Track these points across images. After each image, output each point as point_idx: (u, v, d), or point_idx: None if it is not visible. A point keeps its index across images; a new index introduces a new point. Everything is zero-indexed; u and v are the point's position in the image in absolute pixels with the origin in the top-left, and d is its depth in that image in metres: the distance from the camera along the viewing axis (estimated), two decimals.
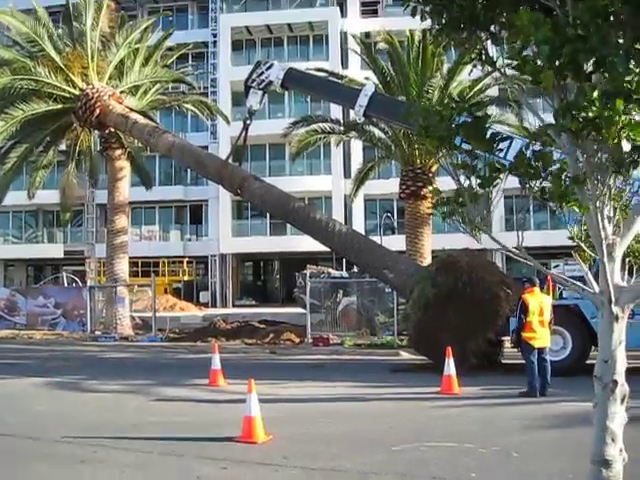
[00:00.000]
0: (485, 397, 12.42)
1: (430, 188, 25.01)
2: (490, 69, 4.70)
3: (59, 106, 25.40)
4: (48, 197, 33.27)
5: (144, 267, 42.55)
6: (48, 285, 39.86)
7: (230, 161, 22.92)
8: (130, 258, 30.27)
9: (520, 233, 4.68)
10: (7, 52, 26.30)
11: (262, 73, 21.22)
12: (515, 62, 4.12)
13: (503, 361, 16.72)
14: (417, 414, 11.08)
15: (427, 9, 4.67)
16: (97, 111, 24.97)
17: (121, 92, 26.71)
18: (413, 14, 4.74)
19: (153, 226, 49.67)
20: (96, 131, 27.83)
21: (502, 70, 4.63)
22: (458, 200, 4.50)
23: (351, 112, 20.87)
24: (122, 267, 28.61)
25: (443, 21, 4.64)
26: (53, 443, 9.34)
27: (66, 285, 37.56)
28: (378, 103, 19.73)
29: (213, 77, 48.50)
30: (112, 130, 26.58)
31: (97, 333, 26.59)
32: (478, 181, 4.38)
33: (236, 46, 49.52)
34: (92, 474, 7.82)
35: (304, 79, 22.46)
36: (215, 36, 49.51)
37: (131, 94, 28.01)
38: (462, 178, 4.57)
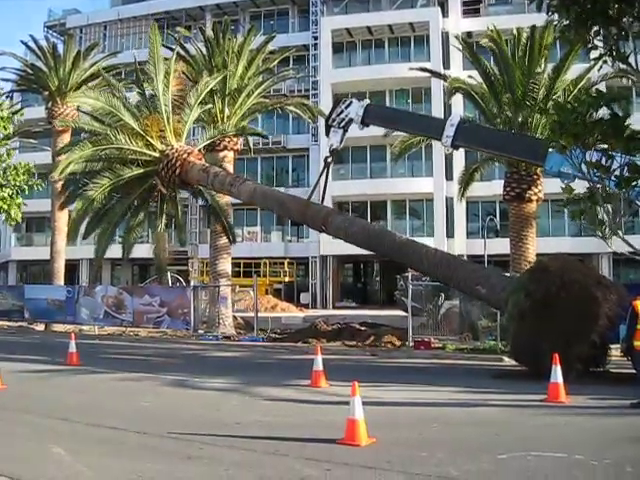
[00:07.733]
0: (594, 407, 11.94)
1: (535, 190, 24.55)
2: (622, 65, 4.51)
3: (141, 170, 25.80)
4: None
5: (246, 268, 43.13)
6: (153, 284, 40.88)
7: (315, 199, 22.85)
8: (232, 259, 30.72)
9: None
10: (89, 125, 27.17)
11: (342, 112, 21.10)
12: None
13: (612, 370, 16.07)
14: (524, 422, 10.74)
15: (554, 3, 4.48)
16: (178, 170, 25.39)
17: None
18: (539, 8, 4.57)
19: (255, 227, 50.31)
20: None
21: (635, 66, 4.43)
22: (592, 199, 4.32)
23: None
24: (225, 267, 29.13)
25: (570, 16, 4.44)
26: (159, 438, 9.53)
27: (170, 284, 38.46)
28: (466, 132, 19.42)
29: (314, 80, 48.75)
30: (195, 187, 27.06)
31: (200, 332, 27.14)
32: (613, 181, 4.18)
33: (337, 48, 49.67)
34: (198, 470, 7.90)
35: (385, 114, 22.15)
36: (316, 39, 49.74)
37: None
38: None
